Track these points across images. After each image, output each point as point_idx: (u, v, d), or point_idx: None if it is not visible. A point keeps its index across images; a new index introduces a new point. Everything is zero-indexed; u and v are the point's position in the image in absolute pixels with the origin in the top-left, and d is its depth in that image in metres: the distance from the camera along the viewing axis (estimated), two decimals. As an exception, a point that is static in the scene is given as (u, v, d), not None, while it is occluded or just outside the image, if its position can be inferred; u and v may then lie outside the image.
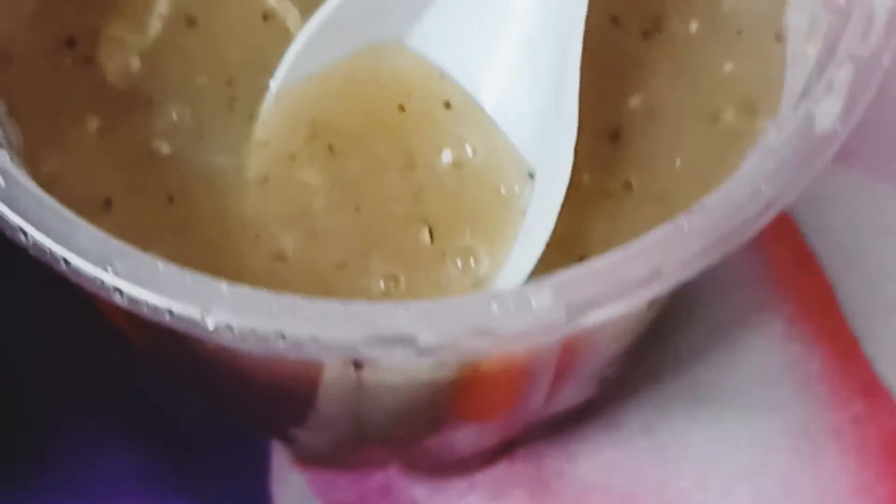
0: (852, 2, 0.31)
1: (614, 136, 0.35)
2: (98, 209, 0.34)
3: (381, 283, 0.33)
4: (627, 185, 0.34)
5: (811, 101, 0.29)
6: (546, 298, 0.27)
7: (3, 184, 0.29)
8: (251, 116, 0.35)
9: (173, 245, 0.33)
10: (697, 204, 0.28)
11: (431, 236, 0.34)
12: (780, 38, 0.35)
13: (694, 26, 0.36)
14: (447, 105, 0.35)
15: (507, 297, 0.27)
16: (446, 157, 0.34)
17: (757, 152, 0.32)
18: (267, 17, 0.36)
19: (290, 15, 0.36)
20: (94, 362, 0.41)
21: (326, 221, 0.34)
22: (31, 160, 0.34)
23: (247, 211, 0.34)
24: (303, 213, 0.34)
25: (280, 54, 0.35)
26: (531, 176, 0.34)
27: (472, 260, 0.33)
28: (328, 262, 0.33)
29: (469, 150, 0.35)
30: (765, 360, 0.42)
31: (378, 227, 0.34)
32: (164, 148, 0.35)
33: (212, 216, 0.34)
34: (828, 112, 0.29)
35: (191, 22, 0.36)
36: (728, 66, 0.35)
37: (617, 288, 0.27)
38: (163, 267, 0.28)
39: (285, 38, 0.35)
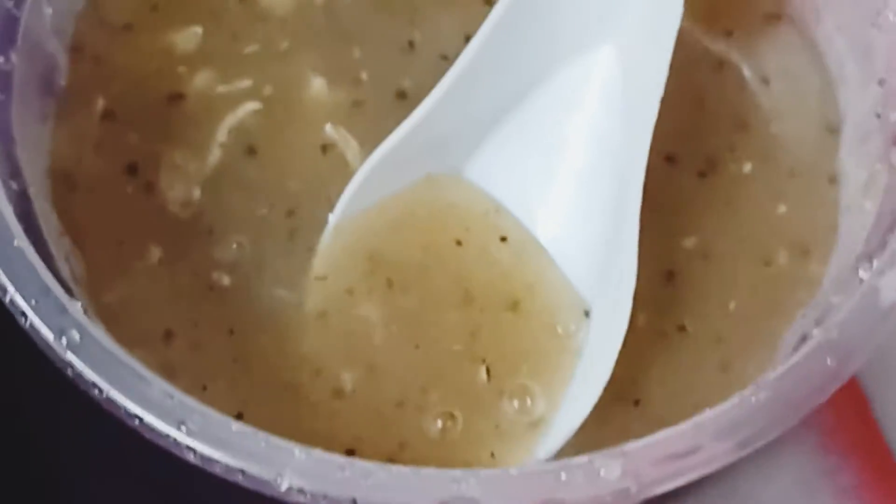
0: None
1: (669, 276, 0.35)
2: (159, 341, 0.34)
3: (439, 423, 0.33)
4: (682, 328, 0.35)
5: (875, 273, 0.29)
6: (615, 470, 0.27)
7: (77, 339, 0.29)
8: (310, 249, 0.35)
9: (234, 379, 0.34)
10: (763, 377, 0.29)
11: (488, 374, 0.34)
12: (833, 180, 0.36)
13: (748, 166, 0.36)
14: (503, 239, 0.35)
15: (575, 467, 0.28)
16: (503, 293, 0.35)
17: (814, 311, 0.33)
18: (326, 148, 0.36)
19: (350, 146, 0.36)
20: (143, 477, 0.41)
21: (385, 358, 0.34)
22: (93, 292, 0.34)
23: (306, 346, 0.34)
24: (361, 348, 0.34)
25: (339, 185, 0.35)
26: (587, 314, 0.35)
27: (528, 400, 0.34)
28: (387, 399, 0.34)
29: (525, 286, 0.35)
30: (801, 472, 0.42)
31: (436, 364, 0.34)
32: (225, 280, 0.35)
33: (271, 350, 0.34)
34: (892, 285, 0.29)
35: (251, 151, 0.36)
36: (781, 208, 0.36)
37: (685, 462, 0.28)
38: (236, 426, 0.28)
39: (344, 169, 0.36)
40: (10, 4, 0.34)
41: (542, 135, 0.36)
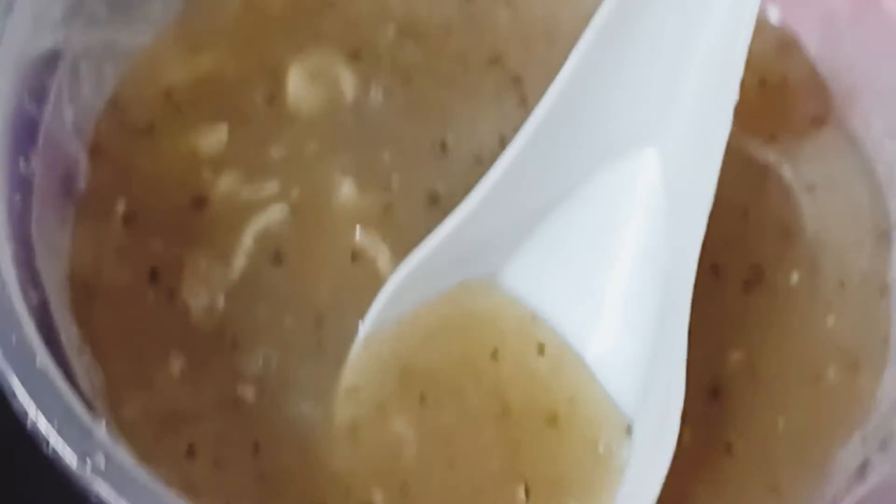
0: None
1: (715, 392, 0.34)
2: (181, 458, 0.32)
3: (476, 548, 0.32)
4: (728, 447, 0.33)
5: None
6: None
7: (103, 464, 0.28)
8: (339, 362, 0.34)
9: (259, 498, 0.32)
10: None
11: (528, 495, 0.32)
12: (884, 292, 0.35)
13: (795, 277, 0.35)
14: (540, 350, 0.34)
15: None
16: (541, 408, 0.33)
17: (874, 434, 0.31)
18: (356, 255, 0.35)
19: (381, 253, 0.35)
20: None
21: (419, 477, 0.33)
22: (113, 404, 0.33)
23: (335, 463, 0.33)
24: (394, 467, 0.33)
25: (370, 294, 0.34)
26: (628, 430, 0.33)
27: (569, 522, 0.32)
28: (421, 521, 0.32)
29: (564, 399, 0.33)
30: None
31: (473, 484, 0.32)
32: (249, 393, 0.33)
33: (299, 468, 0.33)
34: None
35: (277, 258, 0.35)
36: (830, 320, 0.35)
37: None
38: (269, 561, 0.27)
39: (375, 277, 0.34)
40: (31, 106, 0.33)
41: (581, 240, 0.34)
